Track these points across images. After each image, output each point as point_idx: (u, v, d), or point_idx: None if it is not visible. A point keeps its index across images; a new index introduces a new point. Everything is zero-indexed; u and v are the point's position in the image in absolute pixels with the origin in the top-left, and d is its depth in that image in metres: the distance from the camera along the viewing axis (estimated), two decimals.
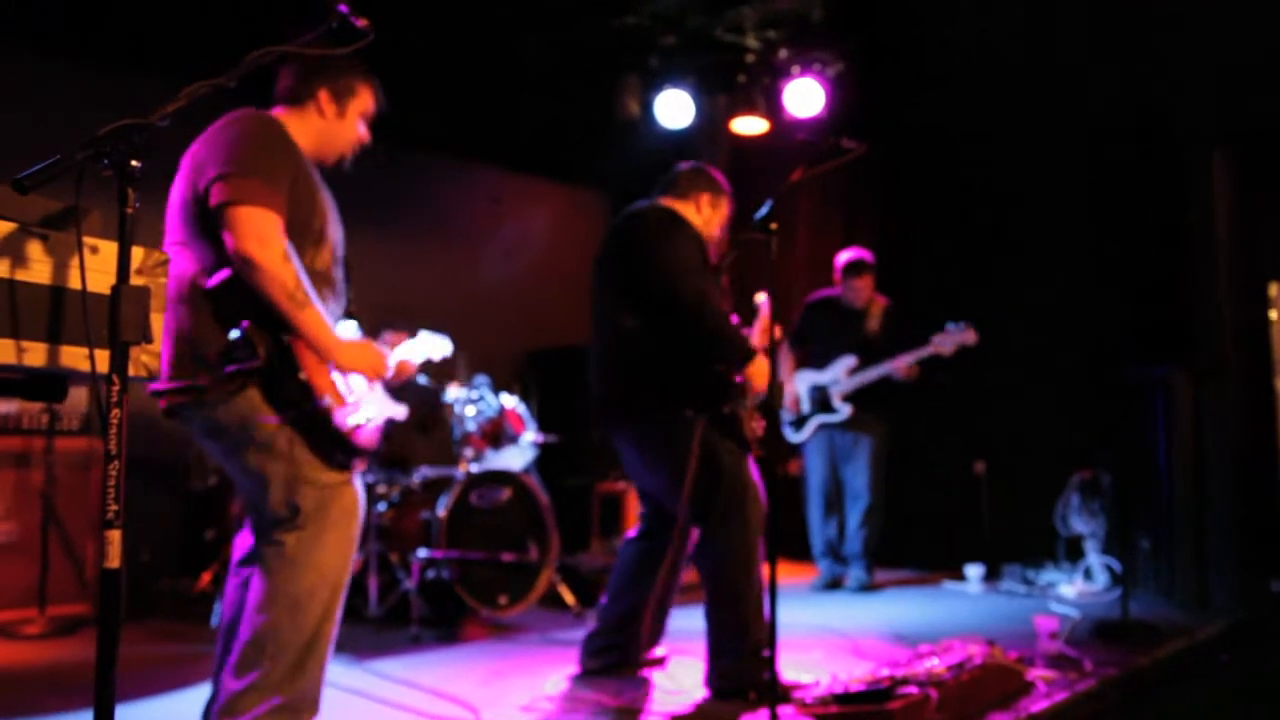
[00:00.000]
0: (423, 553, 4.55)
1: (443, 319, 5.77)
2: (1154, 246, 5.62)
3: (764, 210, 3.07)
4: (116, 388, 1.47)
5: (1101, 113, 5.91)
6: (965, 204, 6.63)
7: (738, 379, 3.35)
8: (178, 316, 2.40)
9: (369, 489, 4.84)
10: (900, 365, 5.54)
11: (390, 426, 4.90)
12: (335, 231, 2.61)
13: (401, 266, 6.80)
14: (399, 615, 4.65)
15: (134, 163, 1.52)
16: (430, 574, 4.59)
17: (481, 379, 5.22)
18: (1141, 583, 5.35)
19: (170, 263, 2.40)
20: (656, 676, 3.67)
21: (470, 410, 5.13)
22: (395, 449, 5.53)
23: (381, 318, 5.06)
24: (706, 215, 3.65)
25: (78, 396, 4.78)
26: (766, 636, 3.29)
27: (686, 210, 3.61)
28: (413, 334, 5.38)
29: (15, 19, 5.01)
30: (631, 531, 3.77)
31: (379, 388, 2.66)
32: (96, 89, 5.31)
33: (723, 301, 3.47)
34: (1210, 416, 5.10)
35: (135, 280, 1.60)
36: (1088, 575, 5.66)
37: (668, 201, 3.63)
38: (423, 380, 4.81)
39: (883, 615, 4.98)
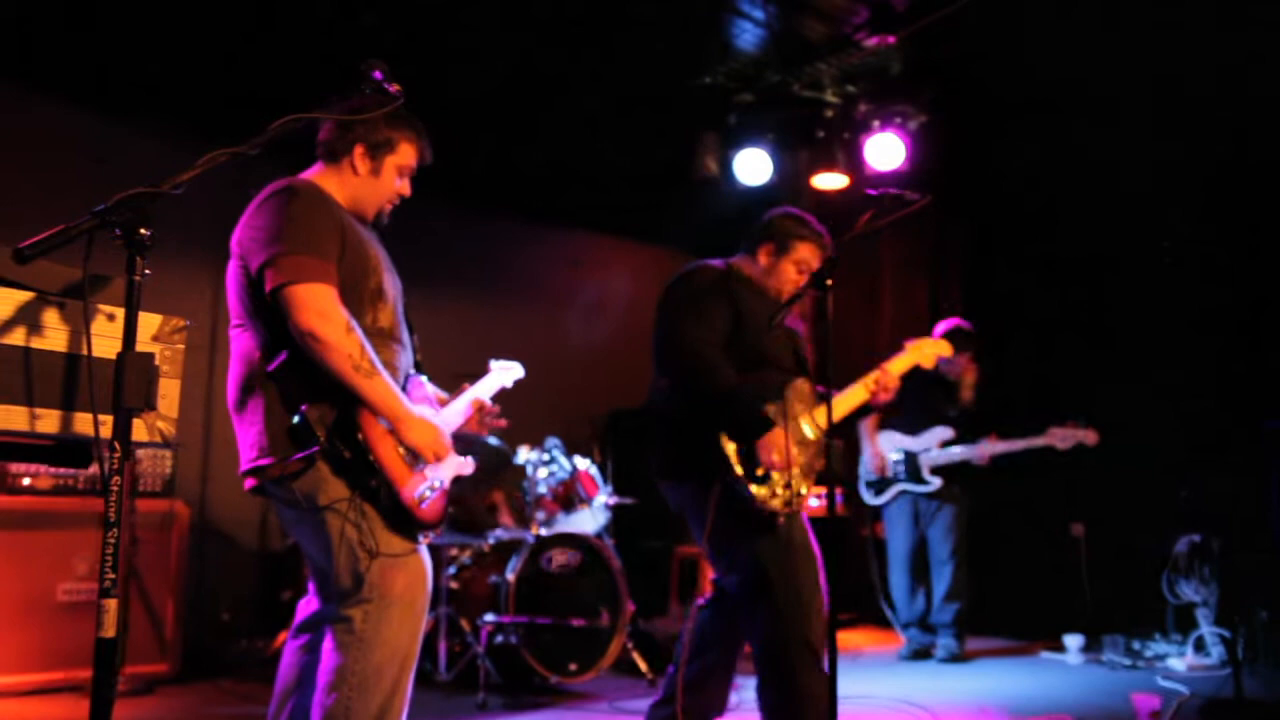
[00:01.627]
0: (490, 617, 4.50)
1: (524, 381, 5.80)
2: (1271, 295, 5.31)
3: (821, 267, 2.98)
4: (118, 454, 1.46)
5: (1213, 155, 5.65)
6: (1058, 255, 6.40)
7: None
8: (248, 399, 2.42)
9: (439, 551, 4.83)
10: (1001, 450, 5.36)
11: (462, 489, 4.89)
12: (392, 285, 2.59)
13: (482, 328, 6.87)
14: (468, 680, 4.59)
15: (143, 231, 1.53)
16: (499, 639, 4.53)
17: (553, 441, 5.18)
18: (1260, 657, 4.97)
19: (233, 343, 2.47)
20: None
21: (543, 473, 5.10)
22: (467, 511, 5.53)
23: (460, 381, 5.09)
24: (767, 265, 3.49)
25: (163, 459, 4.91)
26: (824, 712, 3.13)
27: (746, 265, 3.51)
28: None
29: (38, 69, 5.22)
30: (702, 598, 3.65)
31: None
32: (121, 138, 5.46)
33: (780, 355, 3.36)
34: None
35: (151, 347, 1.61)
36: (1199, 648, 5.29)
37: (737, 259, 3.55)
38: (494, 441, 4.79)
39: (970, 688, 4.72)
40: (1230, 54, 5.18)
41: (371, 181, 2.59)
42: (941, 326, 5.66)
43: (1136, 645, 5.51)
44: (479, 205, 6.99)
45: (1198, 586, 5.32)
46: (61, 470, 4.66)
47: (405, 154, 2.61)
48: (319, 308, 2.29)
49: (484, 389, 2.92)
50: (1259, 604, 5.02)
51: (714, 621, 3.51)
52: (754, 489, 3.13)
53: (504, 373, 3.12)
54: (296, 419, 2.32)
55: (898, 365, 3.61)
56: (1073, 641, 5.54)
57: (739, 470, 3.14)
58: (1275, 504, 4.92)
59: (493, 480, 5.30)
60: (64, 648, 4.53)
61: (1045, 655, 5.65)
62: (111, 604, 1.43)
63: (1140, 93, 5.63)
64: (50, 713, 4.19)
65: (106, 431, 1.56)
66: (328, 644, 2.40)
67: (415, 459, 2.43)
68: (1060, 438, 5.26)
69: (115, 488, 1.45)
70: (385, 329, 2.51)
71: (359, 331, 2.36)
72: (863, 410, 3.44)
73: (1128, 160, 5.87)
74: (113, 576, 1.43)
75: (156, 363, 1.63)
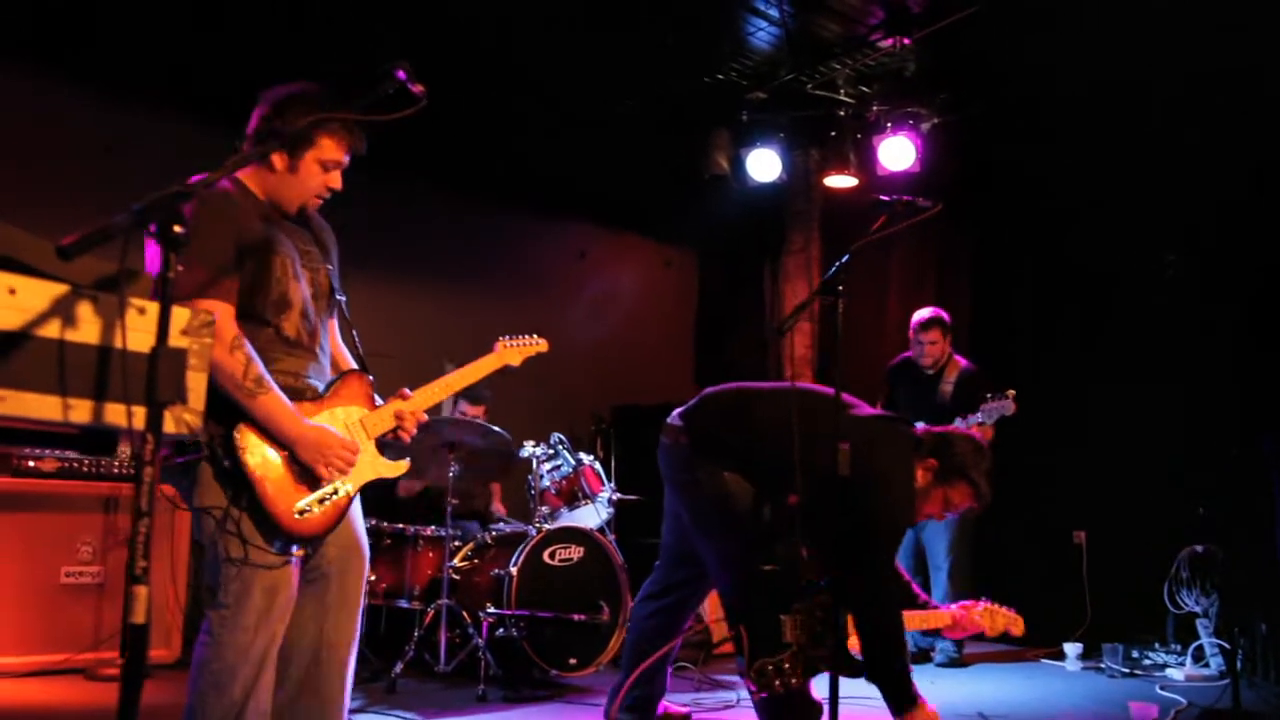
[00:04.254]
0: (491, 610, 4.51)
1: (525, 372, 5.78)
2: (1268, 305, 5.32)
3: (832, 271, 2.99)
4: (150, 446, 1.46)
5: (1217, 169, 5.65)
6: (1066, 264, 6.40)
7: None
8: None
9: (442, 542, 4.83)
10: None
11: (463, 481, 4.90)
12: (300, 292, 2.53)
13: (488, 319, 6.84)
14: (467, 672, 4.60)
15: (177, 229, 1.54)
16: (500, 631, 4.54)
17: (558, 436, 5.19)
18: (1258, 670, 4.98)
19: None
20: None
21: (546, 467, 5.11)
22: (468, 503, 5.54)
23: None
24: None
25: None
26: (816, 708, 3.21)
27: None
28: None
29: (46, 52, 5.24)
30: (645, 588, 3.73)
31: (370, 450, 2.61)
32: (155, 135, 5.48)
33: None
34: None
35: (179, 341, 1.61)
36: (1198, 658, 5.31)
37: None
38: (500, 432, 4.79)
39: (968, 693, 4.73)
40: (1245, 60, 5.17)
41: (288, 178, 2.52)
42: (918, 314, 5.63)
43: (1135, 654, 5.53)
44: (486, 196, 6.99)
45: (1198, 597, 5.33)
46: (66, 453, 4.66)
47: (326, 148, 2.51)
48: None
49: (469, 373, 2.95)
50: (1259, 616, 5.03)
51: (664, 611, 3.64)
52: None
53: (511, 352, 3.16)
54: None
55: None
56: (1072, 649, 5.55)
57: None
58: (1277, 516, 4.93)
59: (494, 472, 5.30)
60: (65, 630, 4.55)
61: (1044, 662, 5.66)
62: (142, 590, 1.44)
63: (1155, 101, 5.63)
64: (51, 694, 4.20)
65: (137, 423, 1.56)
66: (198, 639, 2.46)
67: (306, 473, 2.44)
68: (987, 412, 5.20)
69: (148, 479, 1.45)
70: (291, 337, 2.51)
71: (247, 348, 2.35)
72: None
73: (1140, 168, 5.87)
74: (144, 564, 1.44)
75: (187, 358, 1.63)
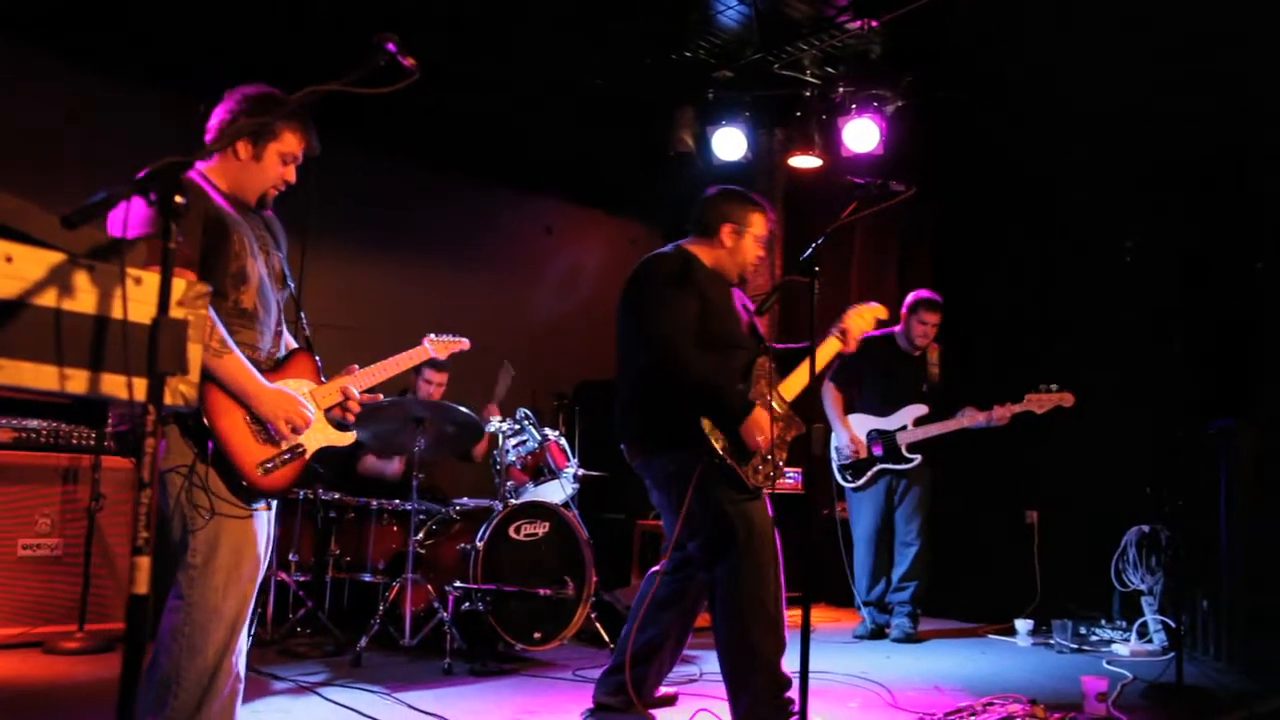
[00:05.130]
0: (458, 584, 4.52)
1: (491, 346, 5.79)
2: (1222, 295, 5.46)
3: (808, 252, 3.03)
4: (152, 417, 1.46)
5: (1172, 155, 5.78)
6: (1024, 247, 6.52)
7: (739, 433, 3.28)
8: None
9: (407, 517, 4.83)
10: (1001, 415, 5.42)
11: (429, 455, 4.89)
12: (260, 269, 2.66)
13: (452, 290, 6.84)
14: (432, 646, 4.62)
15: (178, 199, 1.54)
16: (465, 605, 4.55)
17: (524, 411, 5.19)
18: (1199, 645, 5.16)
19: None
20: (665, 715, 3.62)
21: (512, 442, 5.12)
22: (432, 479, 5.53)
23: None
24: (733, 245, 3.55)
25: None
26: (785, 680, 3.24)
27: (707, 251, 3.54)
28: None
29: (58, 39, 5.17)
30: (658, 565, 3.72)
31: (320, 419, 2.73)
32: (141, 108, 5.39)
33: (749, 343, 3.45)
34: (1275, 473, 4.92)
35: (176, 312, 1.60)
36: (1143, 634, 5.48)
37: (691, 244, 3.57)
38: (465, 410, 4.79)
39: (924, 667, 4.85)
40: (1207, 53, 5.28)
41: (252, 166, 2.66)
42: (911, 296, 5.73)
43: (1083, 630, 5.68)
44: (453, 170, 6.93)
45: (1144, 575, 5.49)
46: (25, 423, 4.58)
47: (289, 142, 2.67)
48: None
49: (398, 363, 3.14)
50: (1201, 594, 5.21)
51: (666, 588, 3.60)
52: (738, 467, 3.24)
53: (436, 347, 3.48)
54: None
55: (860, 325, 3.73)
56: (1023, 625, 5.70)
57: (721, 449, 3.22)
58: (1221, 499, 5.09)
59: (468, 444, 5.30)
60: (24, 603, 4.49)
61: (995, 638, 5.81)
62: (145, 561, 1.43)
63: (1118, 86, 5.73)
64: (8, 668, 4.15)
65: (137, 394, 1.56)
66: (166, 606, 2.49)
67: (266, 431, 2.54)
68: (1038, 403, 5.36)
69: (149, 449, 1.45)
70: (247, 310, 2.60)
71: (211, 312, 2.41)
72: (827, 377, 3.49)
73: (1102, 153, 5.98)
74: (146, 535, 1.44)
75: None
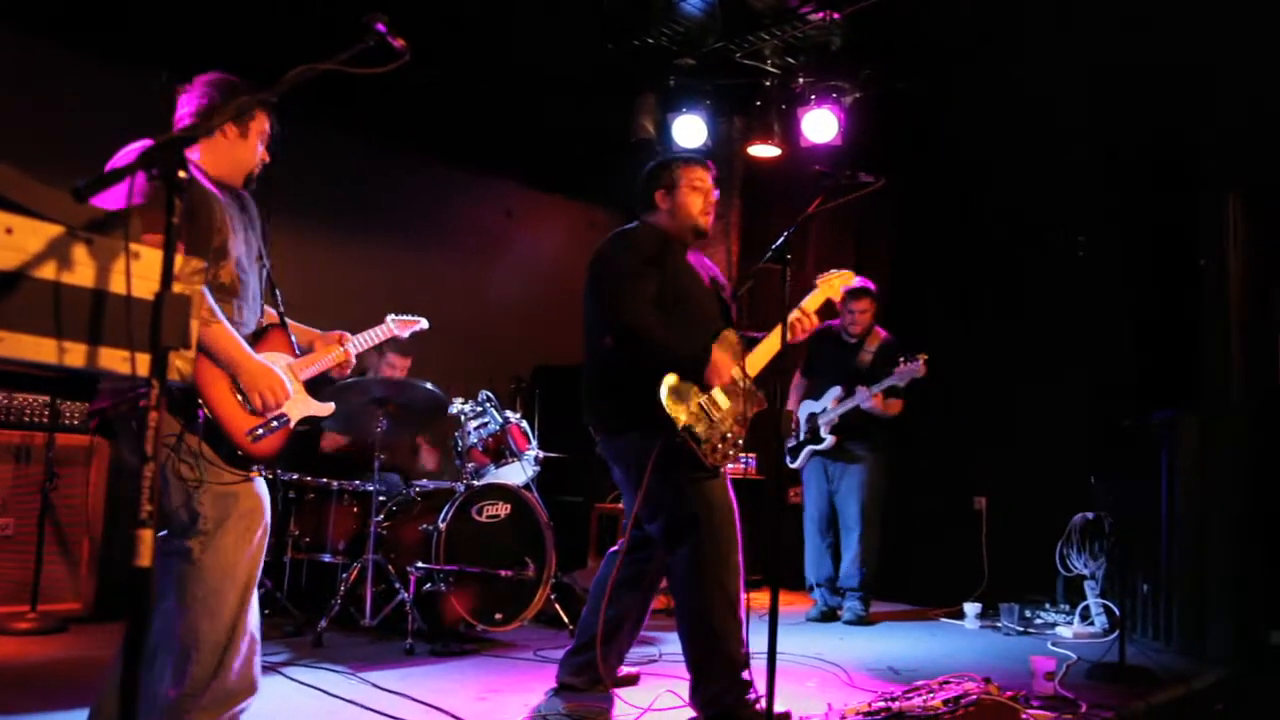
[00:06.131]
0: (420, 565, 4.53)
1: (450, 330, 5.75)
2: (1167, 289, 5.62)
3: (779, 241, 3.08)
4: (155, 391, 1.47)
5: (1120, 151, 5.93)
6: (976, 239, 6.64)
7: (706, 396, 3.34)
8: None
9: (368, 497, 4.82)
10: (865, 398, 5.59)
11: (390, 435, 4.89)
12: (238, 247, 2.70)
13: (413, 272, 6.80)
14: (393, 626, 4.62)
15: (181, 173, 1.55)
16: (427, 586, 4.56)
17: (486, 394, 5.20)
18: (1140, 628, 5.34)
19: None
20: (626, 694, 3.67)
21: (473, 424, 5.12)
22: (395, 459, 5.52)
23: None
24: (669, 206, 3.58)
25: (84, 394, 4.76)
26: (743, 661, 3.29)
27: (654, 217, 3.60)
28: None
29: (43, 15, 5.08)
30: (616, 545, 3.77)
31: (299, 390, 2.82)
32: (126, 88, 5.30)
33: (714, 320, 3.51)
34: (1215, 462, 5.08)
35: (175, 287, 1.60)
36: (1086, 617, 5.65)
37: (644, 216, 3.63)
38: (431, 387, 4.78)
39: (877, 649, 4.96)
40: (1164, 48, 5.42)
41: (240, 144, 2.75)
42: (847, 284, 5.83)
43: (1029, 613, 5.85)
44: (414, 152, 6.89)
45: (1087, 560, 5.66)
46: None
47: (262, 120, 2.79)
48: None
49: (361, 341, 3.23)
50: (1141, 578, 5.39)
51: (626, 569, 3.65)
52: (697, 446, 3.28)
53: (397, 326, 3.61)
54: None
55: (812, 301, 3.75)
56: (971, 609, 5.84)
57: (681, 427, 3.25)
58: (1162, 487, 5.27)
59: (422, 425, 5.29)
60: None
61: (945, 621, 5.95)
62: (147, 534, 1.44)
63: (1074, 83, 5.86)
64: None
65: (132, 368, 1.57)
66: (172, 576, 2.53)
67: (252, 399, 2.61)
68: (900, 375, 5.51)
69: (153, 424, 1.46)
70: (226, 284, 2.65)
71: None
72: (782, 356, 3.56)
73: (1058, 149, 6.11)
74: (149, 509, 1.44)
75: None
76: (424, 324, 3.86)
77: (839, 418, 5.72)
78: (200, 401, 2.48)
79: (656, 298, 3.38)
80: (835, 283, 3.88)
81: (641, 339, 3.32)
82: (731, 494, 3.43)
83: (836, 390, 5.77)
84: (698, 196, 3.59)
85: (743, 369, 3.50)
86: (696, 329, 3.43)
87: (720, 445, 3.36)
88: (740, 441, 3.46)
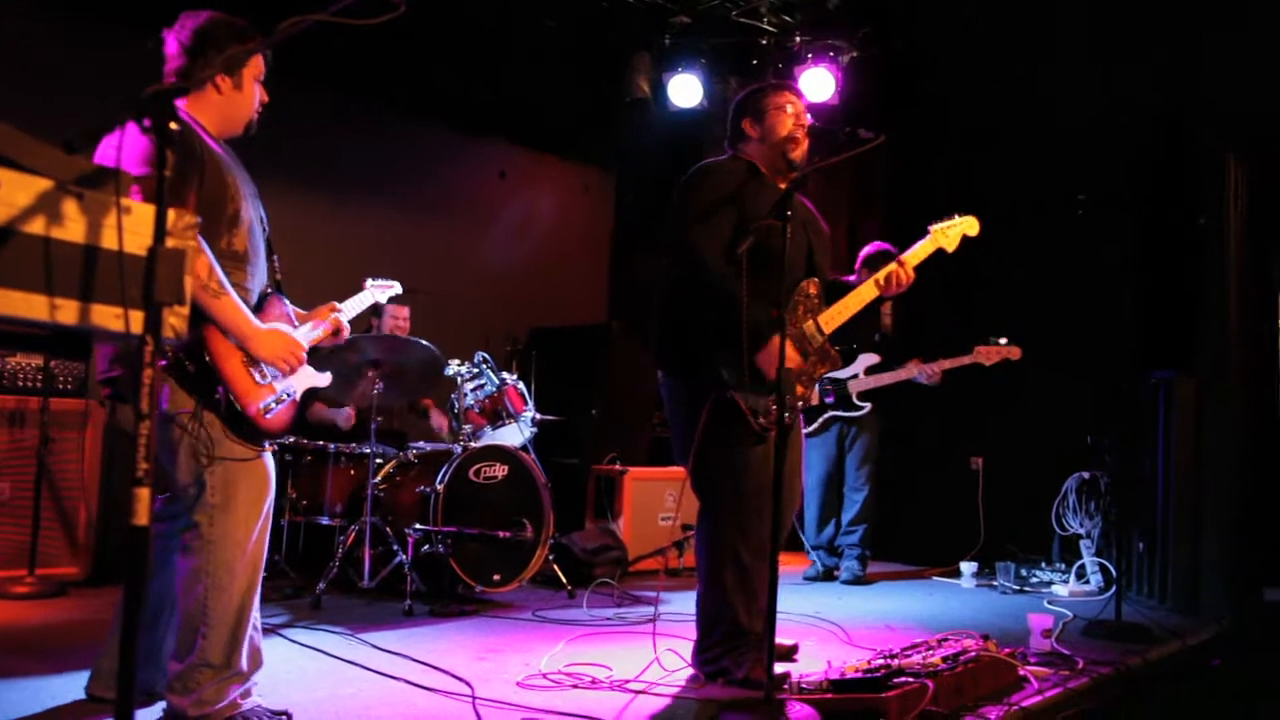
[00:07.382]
0: (418, 526, 4.53)
1: (445, 292, 5.73)
2: (1164, 249, 5.60)
3: (781, 197, 3.02)
4: (150, 348, 1.44)
5: (1117, 110, 5.88)
6: (972, 199, 6.56)
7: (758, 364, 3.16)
8: None
9: (364, 459, 4.81)
10: (936, 370, 5.53)
11: (388, 398, 4.87)
12: (250, 211, 2.66)
13: (406, 233, 6.76)
14: (391, 588, 4.63)
15: (172, 125, 1.51)
16: (425, 548, 4.57)
17: (482, 355, 5.18)
18: (1135, 585, 5.37)
19: None
20: (625, 653, 3.65)
21: (470, 386, 5.10)
22: (388, 420, 5.50)
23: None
24: (759, 134, 3.43)
25: (78, 354, 4.73)
26: (745, 631, 3.24)
27: (745, 148, 3.47)
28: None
29: None
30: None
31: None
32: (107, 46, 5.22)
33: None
34: (1211, 422, 5.09)
35: (168, 242, 1.57)
36: (1081, 575, 5.68)
37: (735, 147, 3.50)
38: (430, 346, 4.75)
39: (875, 607, 4.98)
40: (1163, 4, 5.36)
41: (236, 95, 2.66)
42: (868, 249, 5.79)
43: (1024, 572, 5.88)
44: (406, 112, 6.82)
45: (1083, 520, 5.68)
46: None
47: (255, 62, 2.68)
48: None
49: (349, 308, 3.16)
50: (1136, 537, 5.41)
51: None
52: (747, 409, 3.16)
53: (377, 291, 3.54)
54: None
55: (916, 255, 3.55)
56: (967, 567, 5.87)
57: (734, 385, 3.13)
58: (1159, 447, 5.28)
59: (425, 386, 5.26)
60: None
61: (941, 580, 5.98)
62: (144, 492, 1.42)
63: (1073, 42, 5.79)
64: None
65: (121, 325, 1.54)
66: (180, 550, 2.54)
67: (263, 373, 2.58)
68: (986, 354, 5.48)
69: (148, 380, 1.43)
70: (240, 252, 2.61)
71: (209, 254, 2.45)
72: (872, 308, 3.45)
73: (1054, 108, 6.05)
74: (146, 466, 1.42)
75: None
76: (397, 287, 3.83)
77: (875, 387, 5.66)
78: (217, 378, 2.46)
79: (731, 238, 3.16)
80: (953, 233, 3.62)
81: (704, 290, 3.17)
82: (800, 453, 3.31)
83: (869, 358, 5.71)
84: (787, 118, 3.41)
85: (816, 325, 3.36)
86: (767, 278, 3.02)
87: (774, 409, 3.05)
88: (800, 404, 3.34)
